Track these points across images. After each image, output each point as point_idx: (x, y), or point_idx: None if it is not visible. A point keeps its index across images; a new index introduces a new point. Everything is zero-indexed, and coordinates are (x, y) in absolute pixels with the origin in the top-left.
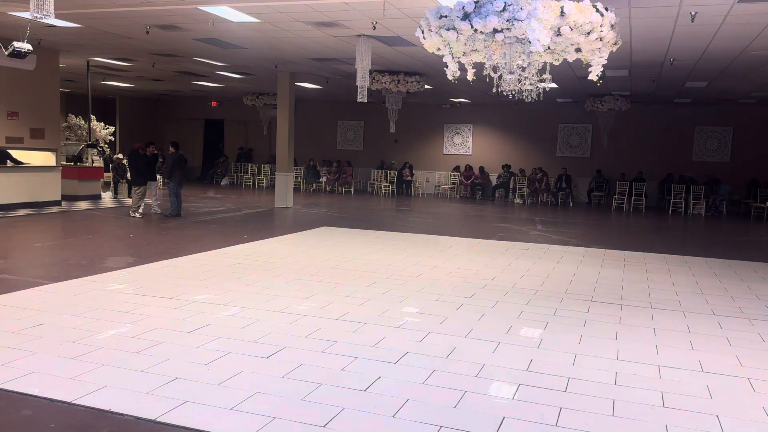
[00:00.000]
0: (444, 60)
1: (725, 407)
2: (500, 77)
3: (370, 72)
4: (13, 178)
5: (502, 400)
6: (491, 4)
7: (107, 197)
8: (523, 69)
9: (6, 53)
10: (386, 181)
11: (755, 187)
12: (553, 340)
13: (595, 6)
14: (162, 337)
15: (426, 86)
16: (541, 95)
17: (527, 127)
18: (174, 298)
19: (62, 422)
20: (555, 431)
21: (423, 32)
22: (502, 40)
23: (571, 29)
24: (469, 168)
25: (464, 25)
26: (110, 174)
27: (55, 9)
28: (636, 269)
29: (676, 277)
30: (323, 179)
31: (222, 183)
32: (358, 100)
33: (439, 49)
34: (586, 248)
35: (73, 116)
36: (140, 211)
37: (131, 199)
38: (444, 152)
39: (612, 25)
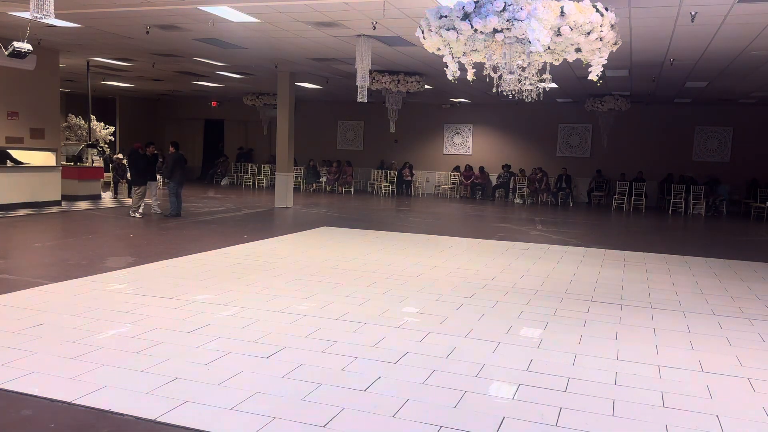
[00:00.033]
0: (444, 60)
1: (725, 407)
2: (500, 77)
3: (370, 72)
4: (13, 178)
5: (502, 400)
6: (491, 4)
7: (107, 197)
8: (523, 69)
9: (6, 53)
10: (386, 181)
11: (755, 187)
12: (553, 340)
13: (595, 6)
14: (162, 337)
15: (426, 86)
16: (541, 95)
17: (527, 127)
18: (174, 298)
19: (62, 422)
20: (555, 431)
21: (423, 32)
22: (502, 40)
23: (571, 29)
24: (469, 168)
25: (464, 25)
26: (110, 174)
27: (55, 9)
28: (636, 269)
29: (676, 277)
30: (323, 179)
31: (222, 183)
32: (358, 100)
33: (439, 49)
34: (586, 248)
35: (73, 116)
36: (140, 211)
37: (131, 199)
38: (444, 152)
39: (612, 25)
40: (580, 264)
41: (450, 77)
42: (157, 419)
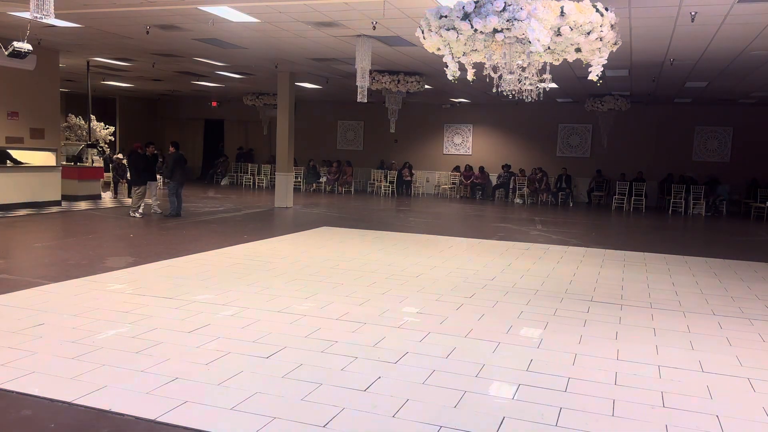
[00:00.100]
0: (444, 60)
1: (725, 407)
2: (500, 77)
3: (370, 72)
4: (13, 178)
5: (502, 400)
6: (491, 4)
7: (107, 197)
8: (523, 69)
9: (6, 53)
10: (386, 181)
11: (755, 187)
12: (553, 340)
13: (595, 6)
14: (162, 337)
15: (426, 86)
16: (541, 95)
17: (527, 127)
18: (174, 298)
19: (62, 422)
20: (555, 431)
21: (423, 32)
22: (502, 40)
23: (571, 29)
24: (469, 168)
25: (464, 25)
26: (110, 174)
27: (55, 9)
28: (636, 269)
29: (676, 277)
30: (323, 179)
31: (222, 183)
32: (358, 100)
33: (439, 49)
34: (586, 248)
35: (73, 116)
36: (140, 211)
37: (131, 199)
38: (444, 152)
39: (612, 25)
40: (580, 264)
41: (450, 77)
42: (157, 419)
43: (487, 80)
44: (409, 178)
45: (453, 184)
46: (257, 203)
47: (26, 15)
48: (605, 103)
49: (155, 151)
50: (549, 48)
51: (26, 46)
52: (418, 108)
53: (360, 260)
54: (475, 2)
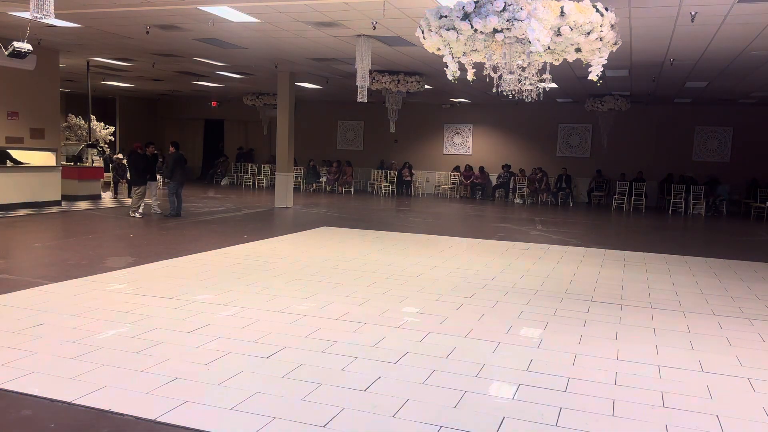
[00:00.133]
0: (444, 60)
1: (725, 407)
2: (500, 77)
3: (370, 72)
4: (13, 178)
5: (502, 400)
6: (491, 4)
7: (107, 197)
8: (523, 69)
9: (6, 53)
10: (386, 181)
11: (755, 187)
12: (553, 340)
13: (595, 6)
14: (162, 337)
15: (426, 86)
16: (541, 95)
17: (527, 127)
18: (174, 298)
19: (62, 422)
20: (555, 431)
21: (423, 32)
22: (502, 40)
23: (571, 29)
24: (469, 168)
25: (464, 25)
26: (110, 174)
27: (55, 9)
28: (636, 269)
29: (676, 277)
30: (323, 179)
31: (222, 183)
32: (358, 100)
33: (439, 49)
34: (586, 248)
35: (73, 116)
36: (140, 211)
37: (131, 199)
38: (444, 152)
39: (612, 25)
40: (580, 264)
41: (450, 77)
42: (157, 419)
43: (487, 80)
44: (409, 178)
45: (453, 184)
46: (257, 203)
47: (26, 15)
48: (605, 103)
49: (155, 151)
50: (549, 48)
51: (26, 46)
52: (418, 108)
53: (360, 260)
54: (475, 2)
